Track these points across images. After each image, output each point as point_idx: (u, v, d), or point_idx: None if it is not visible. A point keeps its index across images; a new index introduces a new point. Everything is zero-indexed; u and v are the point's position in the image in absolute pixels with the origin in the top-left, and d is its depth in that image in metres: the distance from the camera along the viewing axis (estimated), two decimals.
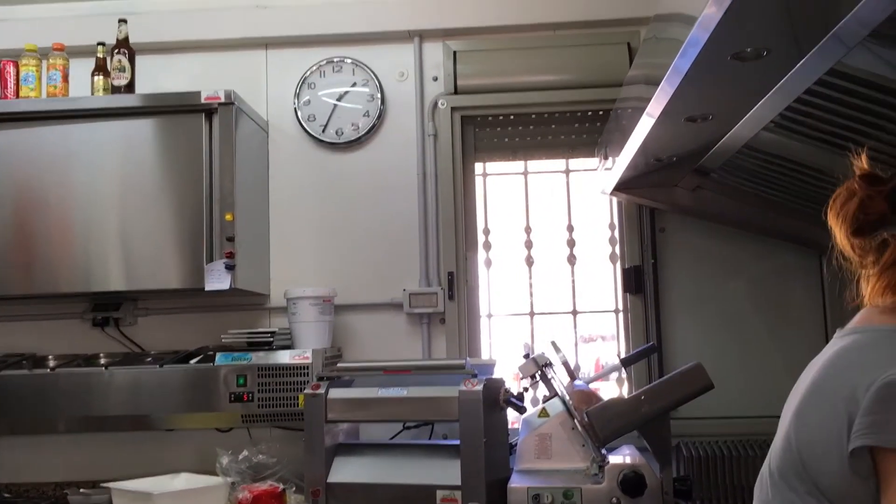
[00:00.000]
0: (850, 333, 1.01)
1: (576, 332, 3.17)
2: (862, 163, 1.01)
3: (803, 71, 1.64)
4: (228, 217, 2.74)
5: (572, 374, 2.59)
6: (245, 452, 2.48)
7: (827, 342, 2.71)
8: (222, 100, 2.76)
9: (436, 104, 3.17)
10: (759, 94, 1.78)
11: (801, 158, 2.22)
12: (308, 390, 2.52)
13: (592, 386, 2.58)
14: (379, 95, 3.16)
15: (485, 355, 3.14)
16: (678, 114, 1.90)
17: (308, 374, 2.69)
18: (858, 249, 0.99)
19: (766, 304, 3.03)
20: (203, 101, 2.75)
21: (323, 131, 3.17)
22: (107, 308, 3.08)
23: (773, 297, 3.03)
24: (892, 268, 0.97)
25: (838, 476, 0.86)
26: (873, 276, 0.98)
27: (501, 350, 3.15)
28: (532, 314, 3.19)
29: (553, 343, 2.60)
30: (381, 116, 3.17)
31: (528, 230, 3.22)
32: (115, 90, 2.90)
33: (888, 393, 0.84)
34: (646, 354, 2.76)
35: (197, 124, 2.76)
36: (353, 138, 3.16)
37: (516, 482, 2.31)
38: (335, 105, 3.17)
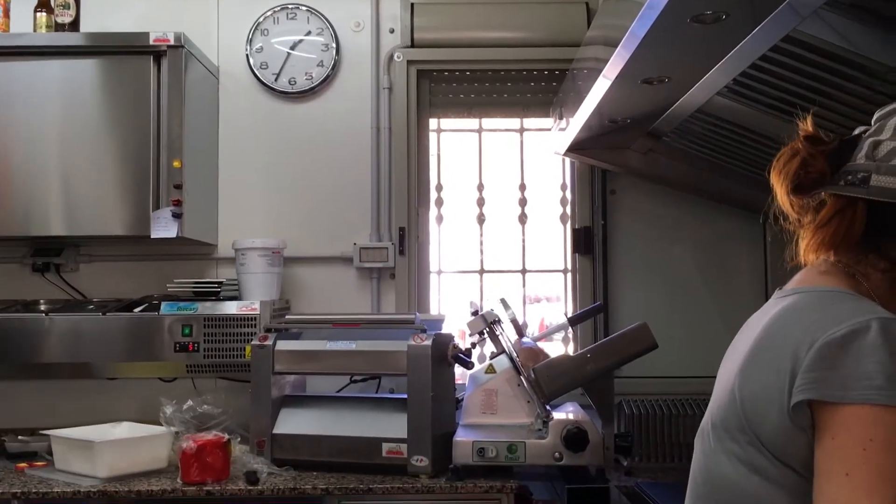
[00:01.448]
0: (790, 294, 1.04)
1: (524, 291, 3.20)
2: (807, 125, 1.04)
3: (759, 37, 1.66)
4: (176, 164, 2.68)
5: (520, 332, 2.62)
6: (189, 402, 2.46)
7: None
8: (172, 42, 2.67)
9: (392, 57, 3.12)
10: (715, 58, 1.80)
11: (751, 124, 2.26)
12: (255, 342, 2.51)
13: (539, 344, 2.61)
14: (334, 45, 3.10)
15: (433, 311, 3.15)
16: (635, 76, 1.91)
17: (255, 325, 2.67)
18: (798, 208, 1.02)
19: (710, 268, 3.09)
20: (151, 42, 2.66)
21: (276, 80, 3.10)
22: (47, 253, 3.00)
23: (717, 260, 3.10)
24: (827, 225, 1.00)
25: (779, 428, 0.90)
26: (808, 233, 1.02)
27: (450, 306, 3.17)
28: (482, 272, 3.21)
29: (502, 300, 2.62)
30: (335, 67, 3.11)
31: (480, 188, 3.22)
32: (59, 28, 2.79)
33: (827, 352, 0.88)
34: (593, 314, 2.80)
35: (144, 67, 2.68)
36: (306, 88, 3.10)
37: (461, 436, 2.35)
38: (289, 53, 3.10)
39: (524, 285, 3.20)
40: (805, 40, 1.61)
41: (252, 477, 2.28)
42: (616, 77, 1.90)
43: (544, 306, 3.31)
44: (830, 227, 0.99)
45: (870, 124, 1.05)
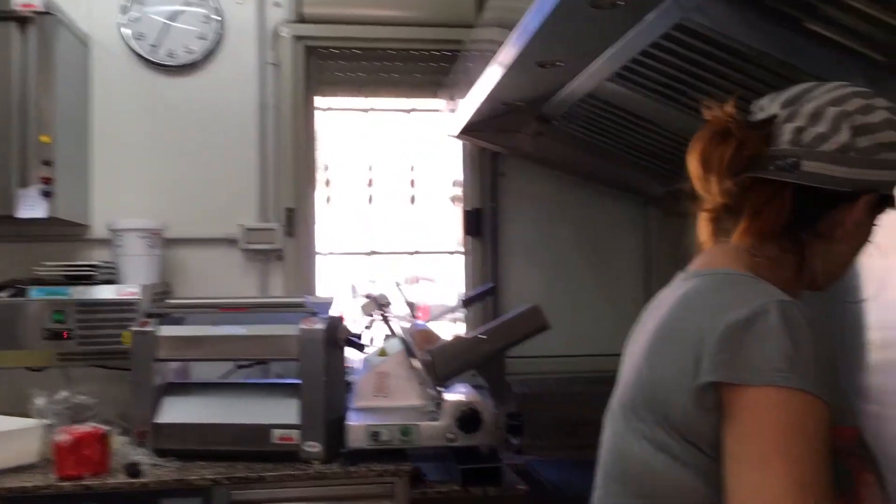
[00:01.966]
0: (694, 276, 1.05)
1: (415, 273, 3.19)
2: (731, 108, 1.02)
3: (651, 23, 1.70)
4: (45, 139, 2.50)
5: (415, 314, 2.61)
6: (63, 393, 2.31)
7: (648, 287, 2.88)
8: (39, 8, 2.48)
9: (278, 32, 3.02)
10: (608, 43, 1.83)
11: (638, 110, 2.32)
12: (136, 327, 2.39)
13: (431, 325, 2.61)
14: (216, 18, 2.97)
15: (322, 294, 3.09)
16: (531, 59, 1.92)
17: (135, 310, 2.54)
18: (724, 191, 1.00)
19: (596, 249, 3.18)
20: (17, 7, 2.47)
21: (153, 52, 2.94)
22: None
23: (602, 242, 3.18)
24: (765, 212, 1.00)
25: (685, 409, 0.92)
26: (745, 218, 1.01)
27: (340, 289, 3.12)
28: (372, 253, 3.17)
29: (396, 283, 2.60)
30: (218, 41, 2.98)
31: (369, 168, 3.18)
32: None
33: (731, 334, 0.89)
34: (485, 295, 2.82)
35: (8, 34, 2.48)
36: (186, 62, 2.96)
37: (354, 420, 2.31)
38: (167, 24, 2.94)
39: (414, 267, 3.19)
40: (694, 28, 1.66)
41: (133, 469, 2.17)
42: (513, 59, 1.90)
43: (437, 286, 3.30)
44: (769, 214, 1.00)
45: (748, 111, 1.06)
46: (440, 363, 2.23)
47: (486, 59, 2.15)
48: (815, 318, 0.91)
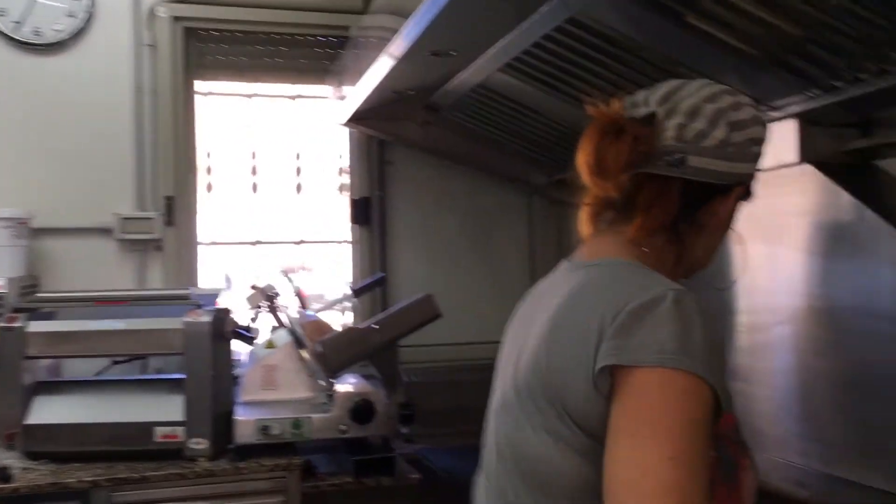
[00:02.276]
0: (585, 266, 1.07)
1: (301, 263, 3.13)
2: (618, 105, 1.06)
3: (545, 15, 1.73)
4: None
5: (304, 304, 2.56)
6: None
7: (533, 275, 2.93)
8: None
9: (154, 11, 2.88)
10: (503, 33, 1.85)
11: (527, 101, 2.35)
12: (2, 323, 2.23)
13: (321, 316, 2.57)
14: None
15: (204, 285, 2.98)
16: (425, 47, 1.92)
17: (1, 305, 2.36)
18: (616, 186, 1.03)
19: (483, 238, 3.21)
20: None
21: (17, 29, 2.74)
22: None
23: (489, 230, 3.22)
24: (656, 206, 1.04)
25: (584, 397, 0.93)
26: (639, 213, 1.05)
27: (222, 280, 3.02)
28: (257, 243, 3.09)
29: (284, 272, 2.54)
30: (88, 19, 2.81)
31: (253, 155, 3.09)
32: None
33: (627, 320, 0.91)
34: (376, 285, 2.80)
35: None
36: (54, 41, 2.78)
37: (243, 414, 2.25)
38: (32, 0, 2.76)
39: (301, 257, 3.13)
40: (586, 22, 1.70)
41: (3, 473, 2.04)
42: (407, 48, 1.89)
43: (319, 278, 3.25)
44: (661, 208, 1.03)
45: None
46: (332, 354, 2.20)
47: (377, 46, 2.13)
48: (707, 307, 0.94)
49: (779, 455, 1.88)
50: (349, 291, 2.71)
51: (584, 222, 1.11)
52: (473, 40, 1.92)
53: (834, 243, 1.69)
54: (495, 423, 1.09)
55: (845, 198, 1.61)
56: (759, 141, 1.06)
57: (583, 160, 1.03)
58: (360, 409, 2.22)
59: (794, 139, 1.70)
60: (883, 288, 1.58)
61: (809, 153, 1.68)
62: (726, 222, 1.09)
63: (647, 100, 1.06)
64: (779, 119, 1.73)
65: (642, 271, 1.02)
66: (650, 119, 1.04)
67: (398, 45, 1.92)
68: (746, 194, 1.09)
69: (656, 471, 0.85)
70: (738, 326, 2.06)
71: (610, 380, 0.91)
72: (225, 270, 2.90)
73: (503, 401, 1.07)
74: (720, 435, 0.95)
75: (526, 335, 1.07)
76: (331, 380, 2.31)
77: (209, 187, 3.04)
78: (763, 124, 1.07)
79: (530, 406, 0.99)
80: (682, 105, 1.03)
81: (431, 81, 2.33)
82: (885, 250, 1.55)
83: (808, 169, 1.69)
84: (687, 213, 1.05)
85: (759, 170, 1.08)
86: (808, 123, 1.68)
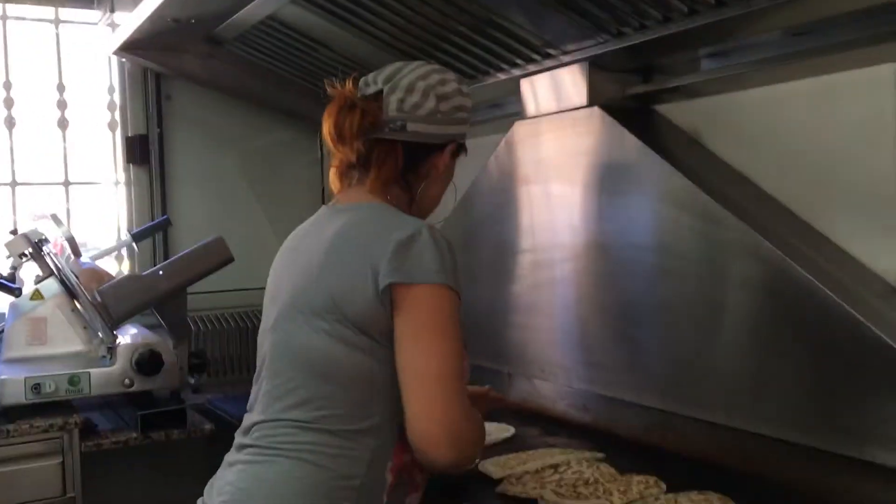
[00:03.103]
0: (348, 209, 1.31)
1: (69, 205, 2.85)
2: (349, 86, 1.29)
3: None
4: None
5: (77, 251, 2.34)
6: None
7: None
8: None
9: None
10: None
11: (316, 35, 2.29)
12: None
13: (99, 263, 2.37)
14: None
15: None
16: None
17: None
18: (353, 151, 1.27)
19: (269, 177, 3.11)
20: None
21: None
22: None
23: (276, 170, 3.12)
24: (385, 164, 1.30)
25: (365, 308, 1.19)
26: (374, 169, 1.30)
27: None
28: (14, 184, 2.77)
29: (54, 216, 2.31)
30: None
31: (7, 86, 2.75)
32: None
33: (398, 247, 1.18)
34: (159, 229, 2.62)
35: None
36: None
37: (8, 373, 2.05)
38: None
39: (68, 199, 2.85)
40: None
41: None
42: None
43: (88, 222, 2.99)
44: (389, 165, 1.30)
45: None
46: (113, 304, 2.05)
47: None
48: (451, 237, 1.24)
49: (564, 382, 2.02)
50: (128, 236, 2.52)
51: (334, 180, 1.37)
52: None
53: (617, 182, 1.80)
54: (272, 336, 1.28)
55: (629, 139, 1.72)
56: (463, 108, 1.34)
57: (326, 131, 1.29)
58: (146, 361, 2.09)
59: (583, 83, 1.78)
60: (650, 221, 1.72)
61: (597, 97, 1.78)
62: (445, 173, 1.37)
63: (376, 79, 1.31)
64: (569, 64, 1.81)
65: (393, 211, 1.28)
66: (377, 95, 1.29)
67: None
68: (459, 150, 1.37)
69: (436, 358, 1.17)
70: (522, 264, 2.15)
71: (390, 295, 1.18)
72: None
73: (280, 315, 1.28)
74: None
75: (299, 264, 1.29)
76: (113, 331, 2.15)
77: None
78: (466, 95, 1.34)
79: (310, 316, 1.22)
80: (402, 83, 1.29)
81: (216, 10, 2.18)
82: (662, 188, 1.68)
83: (596, 111, 1.78)
84: (411, 167, 1.33)
85: (465, 132, 1.36)
86: (597, 68, 1.77)
